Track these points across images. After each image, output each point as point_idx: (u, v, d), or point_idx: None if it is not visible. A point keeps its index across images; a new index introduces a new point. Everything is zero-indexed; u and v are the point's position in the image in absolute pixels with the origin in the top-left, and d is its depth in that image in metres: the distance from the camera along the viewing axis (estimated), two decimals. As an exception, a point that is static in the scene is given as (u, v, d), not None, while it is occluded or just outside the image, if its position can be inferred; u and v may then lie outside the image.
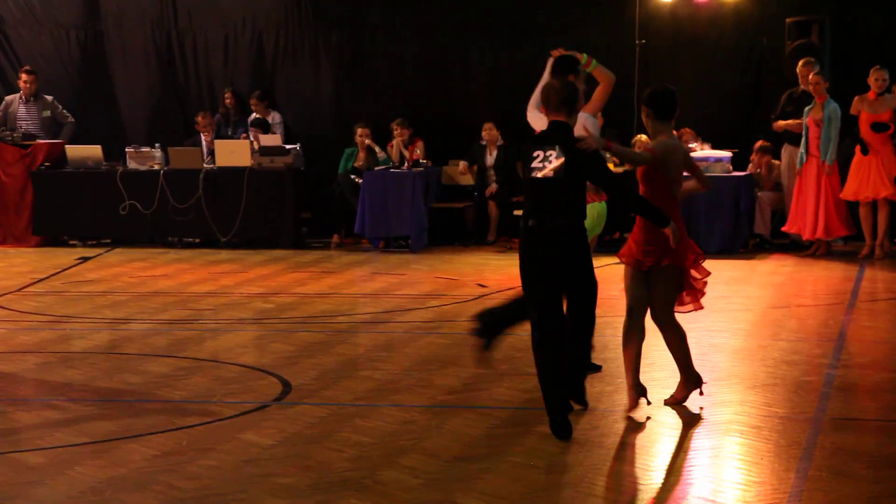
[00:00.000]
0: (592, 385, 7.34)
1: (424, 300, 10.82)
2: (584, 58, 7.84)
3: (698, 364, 7.93)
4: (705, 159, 14.02)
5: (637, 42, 15.15)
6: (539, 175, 6.53)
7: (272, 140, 14.98)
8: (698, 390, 7.07)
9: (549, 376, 6.42)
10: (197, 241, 14.96)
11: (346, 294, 11.31)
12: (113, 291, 11.44)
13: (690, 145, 14.39)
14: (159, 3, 16.38)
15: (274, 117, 15.78)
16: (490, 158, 15.11)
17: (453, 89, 15.66)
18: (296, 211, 14.85)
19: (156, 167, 14.83)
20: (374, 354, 8.51)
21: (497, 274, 12.47)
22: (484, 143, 15.12)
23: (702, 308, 7.09)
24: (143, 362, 8.24)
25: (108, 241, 15.14)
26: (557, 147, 6.50)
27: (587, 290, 6.74)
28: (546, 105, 6.69)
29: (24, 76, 15.49)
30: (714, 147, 14.45)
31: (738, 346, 8.66)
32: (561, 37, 15.37)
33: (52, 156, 15.09)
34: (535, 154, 6.55)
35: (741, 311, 10.11)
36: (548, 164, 6.51)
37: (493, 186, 15.00)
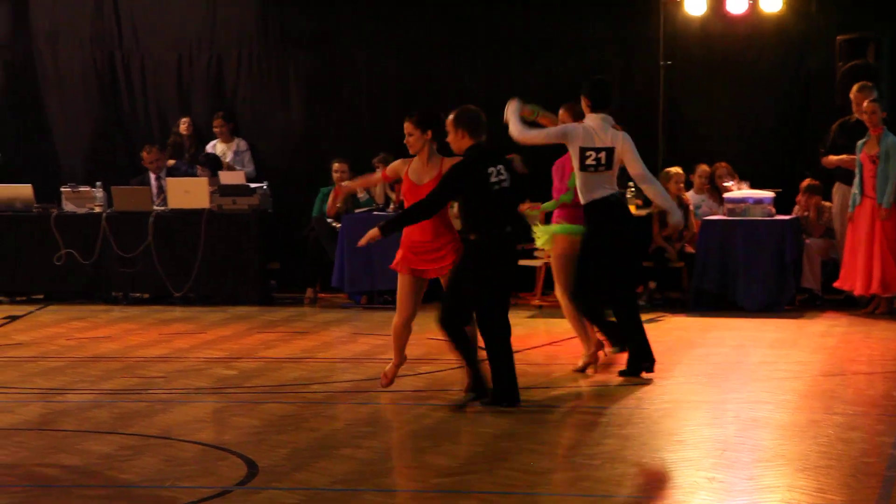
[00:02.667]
0: (614, 467, 7.34)
1: (414, 366, 10.79)
2: (532, 113, 10.19)
3: (737, 442, 7.95)
4: (743, 200, 14.07)
5: (662, 63, 15.25)
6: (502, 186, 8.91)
7: (234, 178, 15.01)
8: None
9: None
10: (146, 296, 14.95)
11: (321, 359, 11.29)
12: (46, 356, 11.41)
13: (726, 183, 14.46)
14: (100, 20, 16.47)
15: (239, 145, 15.83)
16: (490, 199, 15.12)
17: (445, 117, 15.69)
18: (262, 261, 14.86)
19: (97, 210, 14.85)
20: (355, 430, 8.50)
21: (499, 335, 12.43)
22: (483, 181, 15.15)
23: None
24: (81, 440, 8.21)
25: (41, 296, 15.12)
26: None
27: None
28: (470, 131, 8.95)
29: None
30: (753, 186, 14.50)
31: (785, 420, 8.65)
32: (573, 57, 15.54)
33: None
34: (489, 171, 8.88)
35: (788, 380, 10.11)
36: (502, 176, 8.91)
37: (495, 232, 15.00)
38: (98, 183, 15.08)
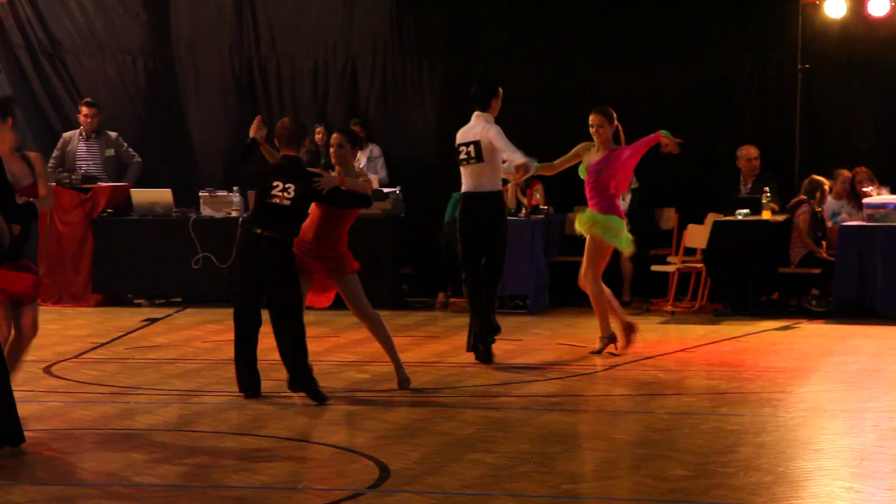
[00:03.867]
0: (748, 475, 7.24)
1: (545, 371, 10.79)
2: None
3: (876, 451, 7.80)
4: (883, 205, 13.81)
5: (799, 67, 15.04)
6: (276, 202, 9.39)
7: (365, 183, 15.12)
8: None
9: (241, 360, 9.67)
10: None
11: (452, 363, 11.33)
12: (183, 358, 11.61)
13: (865, 189, 14.20)
14: (238, 27, 16.72)
15: (373, 151, 15.95)
16: (623, 204, 15.00)
17: (579, 122, 15.61)
18: (394, 265, 14.95)
19: (234, 214, 15.06)
20: (485, 434, 8.51)
21: (632, 341, 12.37)
22: (615, 186, 15.09)
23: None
24: (217, 441, 8.33)
25: (179, 299, 15.40)
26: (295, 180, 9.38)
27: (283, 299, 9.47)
28: (278, 141, 9.60)
29: (84, 110, 15.89)
30: (893, 191, 14.23)
31: (926, 430, 8.47)
32: (709, 61, 15.40)
33: (116, 201, 15.43)
34: (274, 183, 9.40)
35: (928, 388, 9.92)
36: (286, 193, 9.36)
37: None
38: (235, 188, 15.29)
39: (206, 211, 15.18)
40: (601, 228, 11.28)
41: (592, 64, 15.74)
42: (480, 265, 11.18)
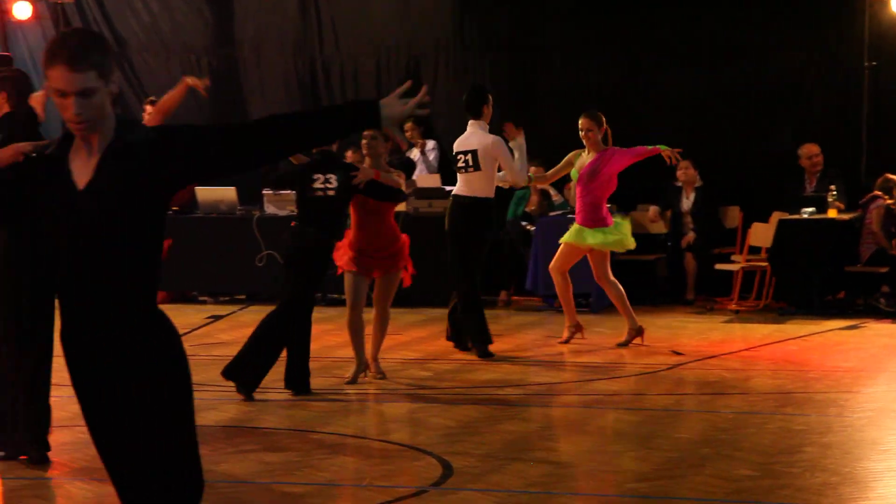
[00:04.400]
0: (815, 475, 7.16)
1: (608, 370, 10.74)
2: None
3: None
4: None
5: (866, 64, 14.88)
6: (320, 195, 9.51)
7: (430, 181, 15.13)
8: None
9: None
10: (343, 297, 15.14)
11: (515, 361, 11.31)
12: (247, 355, 11.65)
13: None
14: (302, 27, 16.79)
15: (426, 145, 15.95)
16: (686, 202, 14.99)
17: (643, 121, 15.60)
18: (457, 264, 14.91)
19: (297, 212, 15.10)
20: (548, 433, 8.48)
21: (695, 339, 12.31)
22: (679, 184, 15.01)
23: None
24: (281, 438, 8.36)
25: (243, 297, 15.47)
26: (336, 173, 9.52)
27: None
28: None
29: (149, 108, 15.97)
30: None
31: None
32: (775, 59, 15.28)
33: (180, 199, 15.51)
34: (314, 177, 9.52)
35: None
36: (329, 184, 9.48)
37: (691, 235, 14.86)
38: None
39: (269, 209, 15.24)
40: (610, 243, 11.74)
41: (655, 62, 15.66)
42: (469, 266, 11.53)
